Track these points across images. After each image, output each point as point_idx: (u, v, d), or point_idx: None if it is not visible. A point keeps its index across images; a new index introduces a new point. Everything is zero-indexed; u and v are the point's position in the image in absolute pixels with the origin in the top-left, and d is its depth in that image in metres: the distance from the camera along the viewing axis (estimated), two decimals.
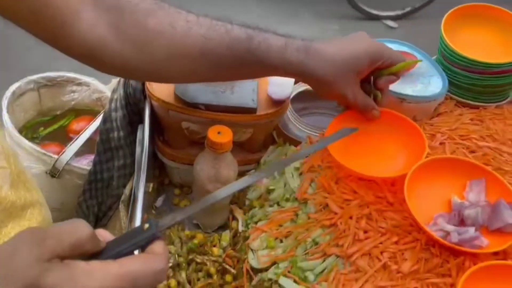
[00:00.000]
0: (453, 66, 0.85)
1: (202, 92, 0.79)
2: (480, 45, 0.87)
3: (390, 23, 2.71)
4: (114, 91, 0.84)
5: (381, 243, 0.63)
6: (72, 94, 0.99)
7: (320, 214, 0.70)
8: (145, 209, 0.85)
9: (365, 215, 0.66)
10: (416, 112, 0.81)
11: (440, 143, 0.76)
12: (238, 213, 0.84)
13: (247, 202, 0.84)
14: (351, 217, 0.66)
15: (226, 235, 0.82)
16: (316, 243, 0.68)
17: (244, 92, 0.81)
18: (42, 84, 0.98)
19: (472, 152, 0.75)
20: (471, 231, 0.60)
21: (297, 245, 0.69)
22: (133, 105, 0.84)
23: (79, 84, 1.00)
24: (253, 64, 0.63)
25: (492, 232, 0.61)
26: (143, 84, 0.82)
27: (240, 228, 0.81)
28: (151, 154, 0.82)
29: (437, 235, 0.59)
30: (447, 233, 0.59)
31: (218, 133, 0.73)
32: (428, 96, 0.79)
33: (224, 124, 0.76)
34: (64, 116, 1.03)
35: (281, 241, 0.72)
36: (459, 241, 0.58)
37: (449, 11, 0.87)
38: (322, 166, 0.75)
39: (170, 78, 0.66)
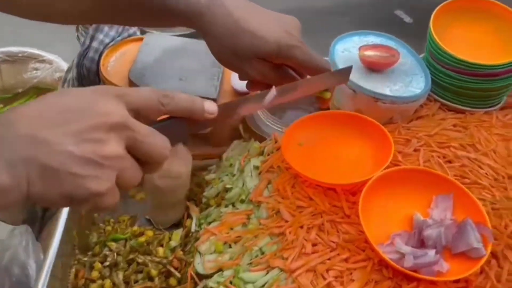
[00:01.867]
0: (441, 65, 0.77)
1: (158, 78, 0.73)
2: (473, 44, 0.79)
3: (406, 17, 2.58)
4: (68, 70, 0.78)
5: (329, 259, 0.56)
6: (34, 71, 0.93)
7: (271, 220, 0.63)
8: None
9: (316, 225, 0.59)
10: (393, 114, 0.73)
11: (415, 150, 0.69)
12: (194, 211, 0.78)
13: (204, 200, 0.78)
14: (301, 227, 0.60)
15: (177, 234, 0.76)
16: (262, 253, 0.61)
17: (205, 81, 0.74)
18: (2, 59, 0.92)
19: (449, 162, 0.67)
20: (430, 254, 0.52)
21: (244, 253, 0.63)
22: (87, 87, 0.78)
23: (42, 61, 0.94)
24: (149, 6, 0.55)
25: (456, 256, 0.54)
26: (98, 65, 0.76)
27: (193, 228, 0.75)
28: None
29: (390, 257, 0.52)
30: (402, 255, 0.52)
31: None
32: (406, 96, 0.71)
33: None
34: (26, 95, 0.97)
35: (230, 246, 0.66)
36: (414, 266, 0.51)
37: (440, 5, 0.79)
38: (281, 167, 0.68)
39: (54, 16, 0.58)
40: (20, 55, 0.93)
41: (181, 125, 0.46)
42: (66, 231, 0.61)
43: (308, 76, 0.60)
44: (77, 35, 0.81)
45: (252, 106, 0.52)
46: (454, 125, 0.74)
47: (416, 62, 0.79)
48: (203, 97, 0.70)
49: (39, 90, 0.97)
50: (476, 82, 0.75)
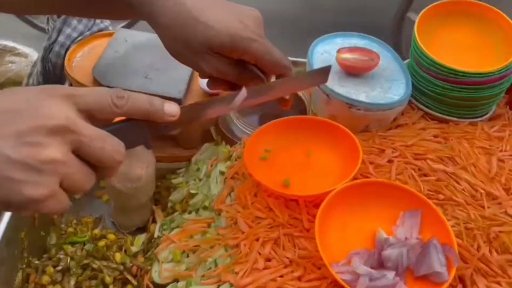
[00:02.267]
0: (425, 71, 0.72)
1: (123, 75, 0.69)
2: (460, 49, 0.74)
3: (415, 17, 2.50)
4: (34, 65, 0.75)
5: (281, 276, 0.52)
6: (9, 64, 0.91)
7: (228, 231, 0.59)
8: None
9: (272, 239, 0.55)
10: (369, 121, 0.69)
11: (388, 161, 0.64)
12: (159, 216, 0.74)
13: (169, 205, 0.75)
14: (257, 239, 0.56)
15: (139, 240, 0.73)
16: (216, 265, 0.57)
17: (172, 80, 0.70)
18: None
19: (424, 175, 0.63)
20: (389, 276, 0.48)
21: (199, 264, 0.59)
22: (53, 83, 0.75)
23: (18, 54, 0.92)
24: None
25: (418, 279, 0.50)
26: (64, 60, 0.73)
27: (156, 234, 0.71)
28: None
29: (344, 277, 0.48)
30: (358, 276, 0.48)
31: None
32: (382, 103, 0.67)
33: None
34: (1, 88, 0.95)
35: (188, 256, 0.63)
36: None
37: (427, 7, 0.74)
38: (245, 174, 0.65)
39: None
40: None
41: (139, 128, 0.42)
42: (11, 233, 0.58)
43: (272, 78, 0.56)
44: (47, 28, 0.78)
45: (220, 108, 0.48)
46: (435, 136, 0.69)
47: (399, 67, 0.75)
48: (167, 98, 0.68)
49: (15, 83, 0.94)
50: (461, 91, 0.70)
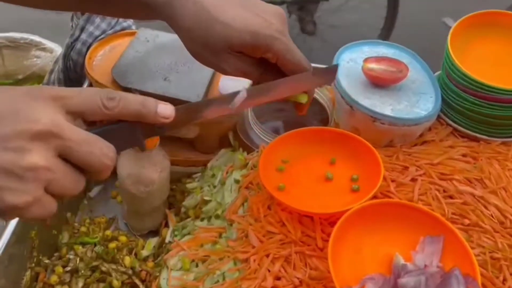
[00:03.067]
0: (456, 86, 0.68)
1: (142, 76, 0.68)
2: (496, 63, 0.70)
3: (451, 23, 2.40)
4: (56, 61, 0.75)
5: None
6: (35, 59, 0.91)
7: (239, 243, 0.57)
8: (75, 199, 0.77)
9: (283, 256, 0.53)
10: (393, 136, 0.66)
11: (412, 180, 0.61)
12: (171, 220, 0.73)
13: (182, 210, 0.73)
14: (267, 255, 0.54)
15: (151, 244, 0.71)
16: (224, 278, 0.56)
17: (191, 83, 0.69)
18: (4, 45, 0.91)
19: (449, 197, 0.59)
20: None
21: (207, 275, 0.58)
22: (74, 81, 0.75)
23: (43, 49, 0.92)
24: None
25: None
26: (85, 58, 0.72)
27: (168, 239, 0.70)
28: None
29: None
30: None
31: None
32: (408, 118, 0.63)
33: None
34: (27, 82, 0.96)
35: (197, 265, 0.61)
36: None
37: (462, 18, 0.70)
38: (260, 184, 0.62)
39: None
40: (22, 41, 0.92)
41: (132, 129, 0.41)
42: (21, 232, 0.57)
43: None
44: (71, 25, 0.78)
45: (219, 108, 0.46)
46: (463, 155, 0.65)
47: (429, 79, 0.71)
48: (185, 101, 0.67)
49: (40, 78, 0.95)
50: (494, 108, 0.66)
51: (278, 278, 0.52)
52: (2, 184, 0.34)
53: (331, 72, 0.55)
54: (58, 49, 0.93)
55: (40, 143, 0.34)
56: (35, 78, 0.93)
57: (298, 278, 0.51)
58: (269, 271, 0.52)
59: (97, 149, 0.37)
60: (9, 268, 0.56)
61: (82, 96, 0.37)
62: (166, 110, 0.41)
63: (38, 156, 0.34)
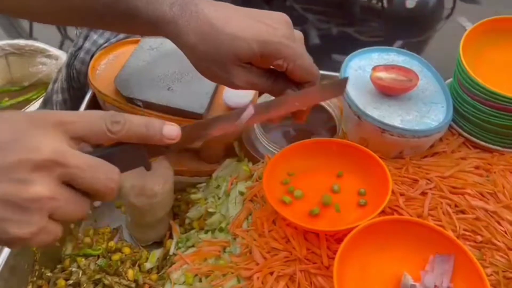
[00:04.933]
0: (468, 95, 0.66)
1: (144, 86, 0.67)
2: (509, 74, 0.67)
3: (465, 22, 2.31)
4: (59, 70, 0.74)
5: None
6: (40, 66, 0.91)
7: (242, 259, 0.56)
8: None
9: (287, 274, 0.51)
10: (403, 148, 0.64)
11: (422, 193, 0.59)
12: (175, 231, 0.72)
13: (187, 221, 0.72)
14: (271, 273, 0.52)
15: (154, 256, 0.70)
16: None
17: (195, 94, 0.67)
18: (9, 52, 0.91)
19: (461, 212, 0.57)
20: None
21: None
22: (76, 90, 0.74)
23: (49, 56, 0.92)
24: (113, 10, 0.49)
25: None
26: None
27: (172, 251, 0.69)
28: None
29: None
30: None
31: None
32: (418, 130, 0.61)
33: None
34: (34, 89, 0.95)
35: (200, 280, 0.60)
36: None
37: (474, 25, 0.68)
38: (265, 197, 0.61)
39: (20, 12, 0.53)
40: (27, 48, 0.92)
41: (137, 150, 0.40)
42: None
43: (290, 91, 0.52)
44: (76, 33, 0.77)
45: (226, 125, 0.45)
46: (476, 167, 0.63)
47: (440, 88, 0.69)
48: (189, 112, 0.66)
49: (46, 85, 0.94)
50: (509, 118, 0.63)
51: None
52: (6, 216, 0.33)
53: (340, 85, 0.54)
54: (63, 56, 0.92)
55: (43, 173, 0.34)
56: (41, 85, 0.93)
57: None
58: None
59: (102, 174, 0.36)
60: (10, 282, 0.55)
61: (85, 120, 0.37)
62: (172, 132, 0.40)
63: (42, 187, 0.34)
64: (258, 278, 0.52)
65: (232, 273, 0.55)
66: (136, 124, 0.38)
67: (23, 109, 0.79)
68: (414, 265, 0.49)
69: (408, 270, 0.49)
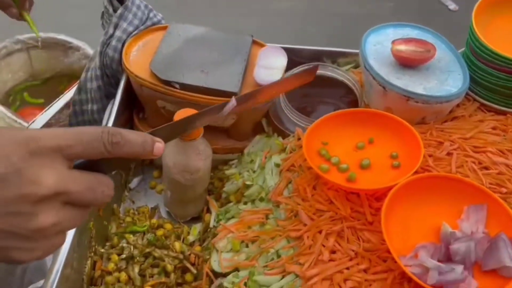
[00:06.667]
0: (481, 62, 0.71)
1: (179, 69, 0.71)
2: None
3: (450, 4, 2.39)
4: (91, 59, 0.77)
5: (347, 268, 0.53)
6: (62, 58, 0.93)
7: (289, 222, 0.61)
8: (116, 190, 0.79)
9: (335, 231, 0.56)
10: (426, 114, 0.69)
11: (447, 154, 0.64)
12: (213, 206, 0.76)
13: (223, 195, 0.76)
14: (320, 232, 0.57)
15: (196, 229, 0.75)
16: (279, 256, 0.59)
17: (227, 74, 0.71)
18: (31, 45, 0.93)
19: (485, 168, 0.62)
20: (458, 270, 0.49)
21: (260, 254, 0.61)
22: (110, 77, 0.77)
23: (70, 48, 0.94)
24: None
25: (486, 274, 0.50)
26: (121, 54, 0.75)
27: (212, 223, 0.73)
28: None
29: (413, 271, 0.49)
30: (427, 270, 0.49)
31: None
32: (440, 96, 0.66)
33: (201, 107, 0.67)
34: (55, 81, 0.97)
35: (247, 246, 0.64)
36: (439, 282, 0.48)
37: None
38: (303, 166, 0.65)
39: None
40: (49, 41, 0.93)
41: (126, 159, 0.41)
42: (83, 223, 0.60)
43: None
44: (102, 23, 0.80)
45: (209, 118, 0.48)
46: (493, 128, 0.68)
47: (454, 58, 0.74)
48: (224, 92, 0.70)
49: (69, 76, 0.97)
50: None
51: (333, 252, 0.55)
52: (12, 245, 0.34)
53: (311, 72, 0.57)
54: (85, 47, 0.95)
55: (45, 205, 0.34)
56: (63, 77, 0.95)
57: (353, 251, 0.54)
58: (324, 246, 0.55)
59: (100, 193, 0.37)
60: (74, 256, 0.59)
61: (83, 143, 0.35)
62: (159, 150, 0.40)
63: (45, 218, 0.34)
64: (308, 237, 0.57)
65: (280, 235, 0.60)
66: (135, 144, 0.38)
67: (56, 101, 0.82)
68: (451, 216, 0.54)
69: (446, 220, 0.54)
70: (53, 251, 0.36)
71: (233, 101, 0.48)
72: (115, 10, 0.76)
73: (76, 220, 0.36)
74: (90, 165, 0.37)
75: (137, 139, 0.38)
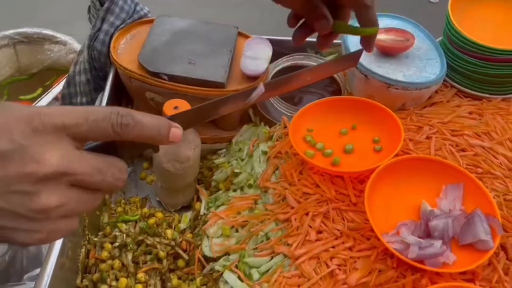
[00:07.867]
0: (457, 49, 0.74)
1: (167, 61, 0.72)
2: (493, 27, 0.76)
3: None
4: (79, 53, 0.78)
5: (333, 247, 0.56)
6: (48, 52, 0.93)
7: (277, 206, 0.63)
8: None
9: (321, 213, 0.59)
10: (406, 100, 0.71)
11: (427, 137, 0.67)
12: (203, 194, 0.78)
13: (213, 184, 0.79)
14: (307, 214, 0.59)
15: (187, 217, 0.77)
16: (268, 238, 0.61)
17: (214, 66, 0.73)
18: (17, 40, 0.93)
19: (462, 150, 0.65)
20: (436, 245, 0.52)
21: (250, 238, 0.63)
22: (98, 70, 0.79)
23: (56, 42, 0.94)
24: None
25: (463, 248, 0.53)
26: (109, 48, 0.76)
27: (202, 211, 0.75)
28: None
29: (395, 246, 0.52)
30: (408, 246, 0.52)
31: (175, 107, 0.66)
32: (419, 82, 0.69)
33: (189, 98, 0.70)
34: (43, 76, 0.98)
35: (237, 231, 0.67)
36: (419, 256, 0.50)
37: None
38: (289, 153, 0.68)
39: None
40: (35, 36, 0.94)
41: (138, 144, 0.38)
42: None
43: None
44: (89, 17, 0.81)
45: (236, 104, 0.46)
46: (470, 113, 0.72)
47: (432, 46, 0.77)
48: (211, 82, 0.72)
49: (57, 71, 0.97)
50: (494, 68, 0.72)
51: (319, 232, 0.58)
52: (12, 225, 0.32)
53: (355, 57, 0.55)
54: (71, 41, 0.96)
55: (49, 184, 0.32)
56: (50, 70, 0.96)
57: (338, 230, 0.57)
58: (310, 226, 0.58)
59: (110, 176, 0.35)
60: (68, 245, 0.61)
61: (90, 122, 0.33)
62: (176, 136, 0.38)
63: (48, 197, 0.32)
64: (295, 219, 0.59)
65: (269, 219, 0.62)
66: (148, 127, 0.36)
67: (44, 95, 0.82)
68: (430, 195, 0.57)
69: (425, 199, 0.57)
70: (61, 236, 0.34)
71: (261, 87, 0.46)
72: (101, 4, 0.77)
73: (86, 204, 0.34)
74: (103, 148, 0.36)
75: (151, 122, 0.35)
